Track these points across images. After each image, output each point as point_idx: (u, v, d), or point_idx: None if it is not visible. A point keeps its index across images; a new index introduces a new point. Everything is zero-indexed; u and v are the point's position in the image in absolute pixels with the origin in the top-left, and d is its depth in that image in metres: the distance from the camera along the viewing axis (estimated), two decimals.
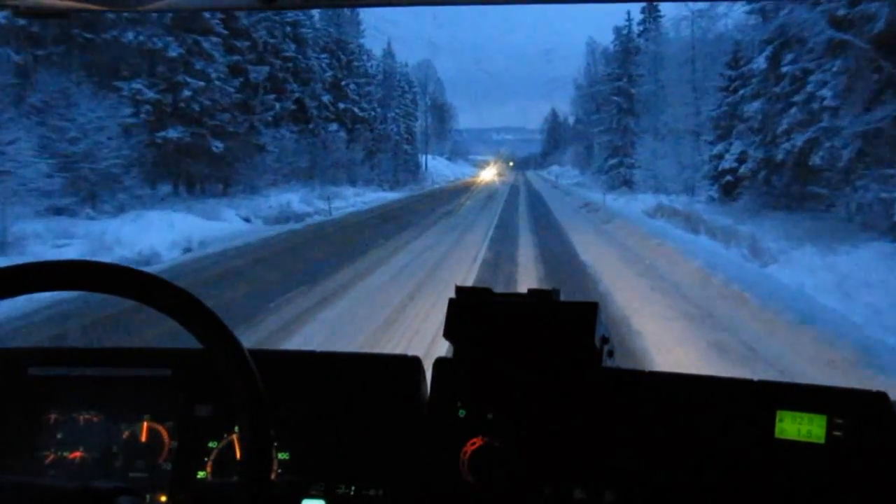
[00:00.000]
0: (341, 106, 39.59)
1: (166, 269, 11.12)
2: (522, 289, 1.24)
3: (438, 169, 76.73)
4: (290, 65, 30.34)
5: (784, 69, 16.40)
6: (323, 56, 38.19)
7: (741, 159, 20.63)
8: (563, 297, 1.22)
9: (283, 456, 1.21)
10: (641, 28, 39.93)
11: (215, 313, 0.82)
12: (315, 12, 35.62)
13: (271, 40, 28.41)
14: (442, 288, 8.97)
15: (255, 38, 24.18)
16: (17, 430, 1.27)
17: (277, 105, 29.38)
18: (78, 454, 1.26)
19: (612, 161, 39.35)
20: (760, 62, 16.79)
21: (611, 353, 1.23)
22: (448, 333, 1.22)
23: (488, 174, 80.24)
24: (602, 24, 55.49)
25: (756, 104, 17.31)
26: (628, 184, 35.42)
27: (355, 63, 42.81)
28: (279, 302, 8.34)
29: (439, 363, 1.23)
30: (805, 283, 8.98)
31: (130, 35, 18.40)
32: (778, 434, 1.06)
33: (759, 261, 11.32)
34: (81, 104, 16.81)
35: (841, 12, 13.41)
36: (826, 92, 14.07)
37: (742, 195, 19.85)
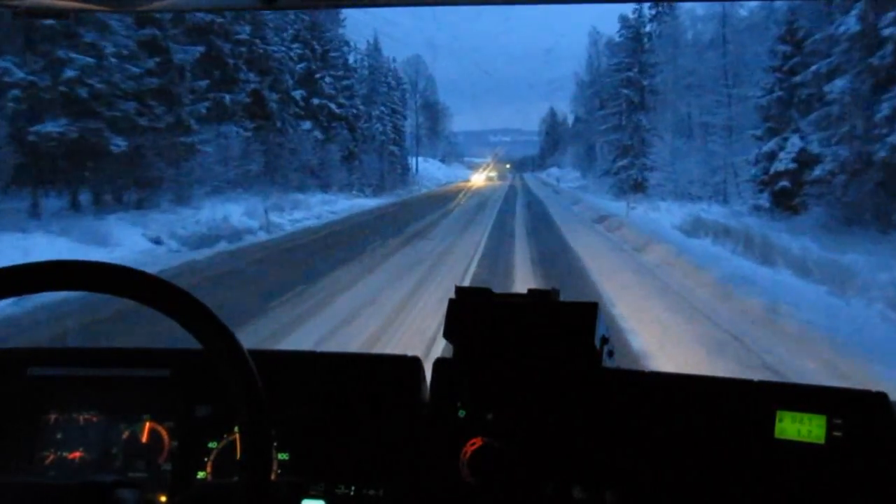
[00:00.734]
0: (315, 102, 35.08)
1: None
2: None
3: (430, 172, 72.32)
4: (244, 49, 25.63)
5: (886, 31, 11.72)
6: (295, 46, 33.77)
7: (803, 159, 15.97)
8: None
9: (283, 456, 1.22)
10: (654, 12, 35.42)
11: (215, 314, 0.81)
12: None
13: (218, 19, 23.69)
14: None
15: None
16: (17, 430, 1.28)
17: (227, 97, 24.68)
18: (78, 454, 1.27)
19: (622, 162, 35.59)
20: (851, 23, 12.07)
21: (611, 353, 1.23)
22: (448, 333, 1.23)
23: (481, 178, 73.74)
24: (605, 15, 51.20)
25: (840, 82, 12.58)
26: (641, 188, 31.48)
27: (332, 54, 38.38)
28: None
29: (439, 363, 1.24)
30: None
31: None
32: (778, 434, 1.06)
33: None
34: None
35: None
36: None
37: (808, 205, 15.17)
